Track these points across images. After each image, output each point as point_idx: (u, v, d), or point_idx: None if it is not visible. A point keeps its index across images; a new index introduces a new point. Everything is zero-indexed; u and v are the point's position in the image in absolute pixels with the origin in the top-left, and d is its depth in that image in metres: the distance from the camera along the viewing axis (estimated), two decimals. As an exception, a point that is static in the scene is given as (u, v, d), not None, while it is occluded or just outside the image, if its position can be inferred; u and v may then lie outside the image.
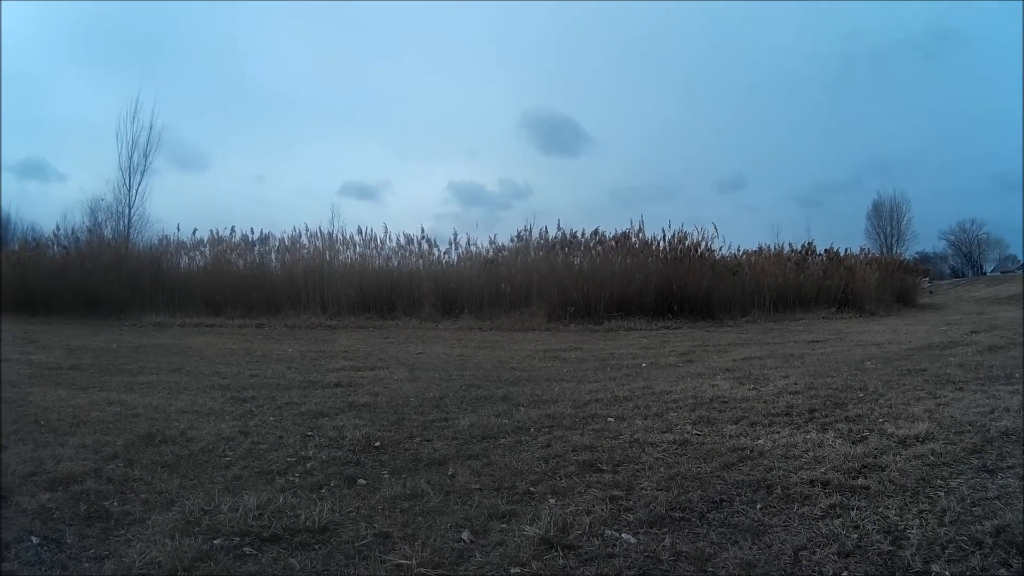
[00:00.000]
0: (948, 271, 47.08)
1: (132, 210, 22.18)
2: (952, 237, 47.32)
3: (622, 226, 16.03)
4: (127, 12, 39.62)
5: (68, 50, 40.62)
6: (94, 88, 38.49)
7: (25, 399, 5.01)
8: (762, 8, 49.39)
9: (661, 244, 15.69)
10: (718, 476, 3.15)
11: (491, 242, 16.23)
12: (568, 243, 15.67)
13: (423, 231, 15.97)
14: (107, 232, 19.61)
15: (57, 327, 12.37)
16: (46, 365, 7.09)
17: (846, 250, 18.85)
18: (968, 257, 47.02)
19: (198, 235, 16.50)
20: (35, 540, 2.47)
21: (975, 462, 3.19)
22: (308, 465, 3.41)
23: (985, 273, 42.94)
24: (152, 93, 34.52)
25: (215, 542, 2.44)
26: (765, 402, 4.76)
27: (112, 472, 3.24)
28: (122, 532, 2.56)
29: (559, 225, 16.26)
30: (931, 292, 27.22)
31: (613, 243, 15.45)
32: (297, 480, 3.19)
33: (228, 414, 4.61)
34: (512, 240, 16.17)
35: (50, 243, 17.72)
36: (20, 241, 21.51)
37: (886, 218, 44.26)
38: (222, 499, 2.87)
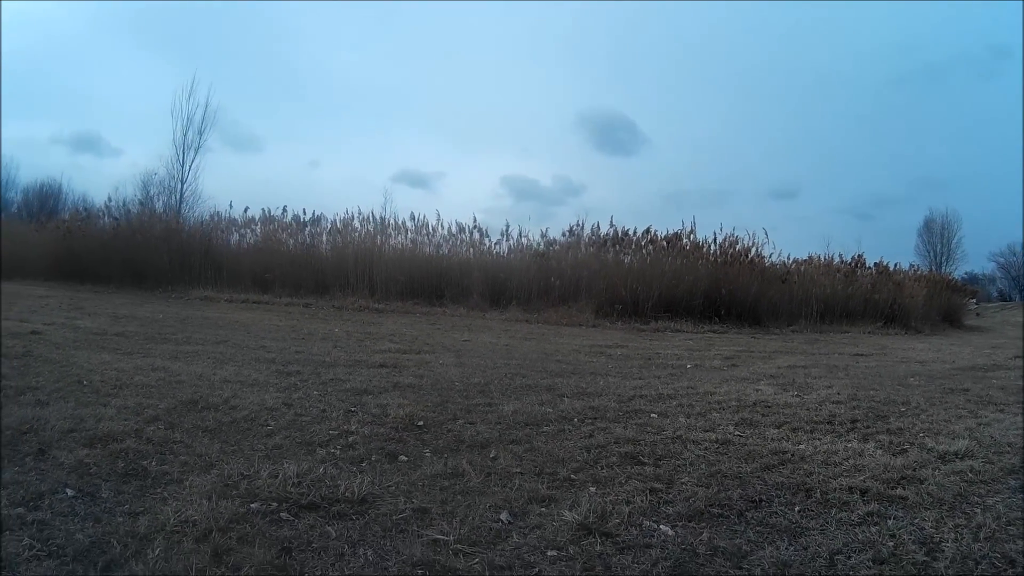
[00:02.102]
0: (995, 293, 45.18)
1: (184, 186, 22.55)
2: (1001, 259, 45.39)
3: (673, 228, 15.71)
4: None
5: (128, 29, 41.73)
6: (151, 67, 39.41)
7: (69, 360, 5.15)
8: (818, 17, 48.16)
9: (712, 247, 15.43)
10: (758, 477, 3.13)
11: (542, 235, 16.03)
12: (619, 241, 15.44)
13: (475, 220, 15.89)
14: (158, 206, 19.91)
15: (104, 296, 12.66)
16: (91, 330, 7.26)
17: (895, 265, 18.36)
18: (1016, 281, 45.20)
19: (249, 213, 16.65)
20: (70, 492, 2.54)
21: (1012, 482, 3.15)
22: (350, 439, 3.45)
23: (1033, 298, 41.16)
24: (209, 74, 35.06)
25: (252, 506, 2.49)
26: (808, 409, 4.69)
27: (152, 434, 3.32)
28: (159, 491, 2.62)
29: (611, 222, 16.11)
30: (977, 314, 26.23)
31: (664, 243, 15.18)
32: (338, 452, 3.24)
33: (272, 386, 4.70)
34: (564, 235, 16.00)
35: (101, 214, 17.93)
36: (71, 211, 21.97)
37: (936, 236, 43.08)
38: (262, 465, 2.93)
